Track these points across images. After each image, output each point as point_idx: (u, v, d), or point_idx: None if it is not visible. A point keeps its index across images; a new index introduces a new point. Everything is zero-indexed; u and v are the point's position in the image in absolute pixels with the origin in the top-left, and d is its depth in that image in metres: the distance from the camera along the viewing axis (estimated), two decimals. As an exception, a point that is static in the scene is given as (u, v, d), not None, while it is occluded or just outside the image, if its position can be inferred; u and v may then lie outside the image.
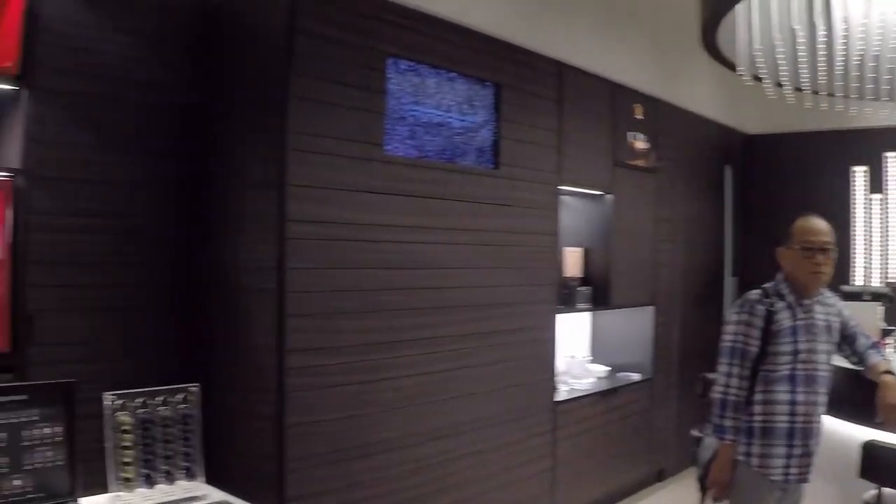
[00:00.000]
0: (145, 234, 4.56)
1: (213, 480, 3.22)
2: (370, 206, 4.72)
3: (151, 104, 4.63)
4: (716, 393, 4.13)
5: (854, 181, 8.26)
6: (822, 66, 5.42)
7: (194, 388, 3.15)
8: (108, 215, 4.49)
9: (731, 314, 4.18)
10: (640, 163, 6.77)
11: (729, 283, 8.92)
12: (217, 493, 3.09)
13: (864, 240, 8.14)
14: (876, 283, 8.20)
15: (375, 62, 4.80)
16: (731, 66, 5.86)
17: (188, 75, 4.74)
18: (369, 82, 4.76)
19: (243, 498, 3.18)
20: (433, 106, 5.22)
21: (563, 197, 6.00)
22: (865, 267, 8.50)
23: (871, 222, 8.14)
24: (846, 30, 5.04)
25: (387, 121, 4.85)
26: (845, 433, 4.83)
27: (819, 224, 4.06)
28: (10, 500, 2.83)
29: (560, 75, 5.99)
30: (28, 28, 4.29)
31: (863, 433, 4.59)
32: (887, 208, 8.06)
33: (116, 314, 4.53)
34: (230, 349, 4.63)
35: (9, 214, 4.25)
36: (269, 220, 4.43)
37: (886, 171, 8.08)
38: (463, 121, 5.42)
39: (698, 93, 8.21)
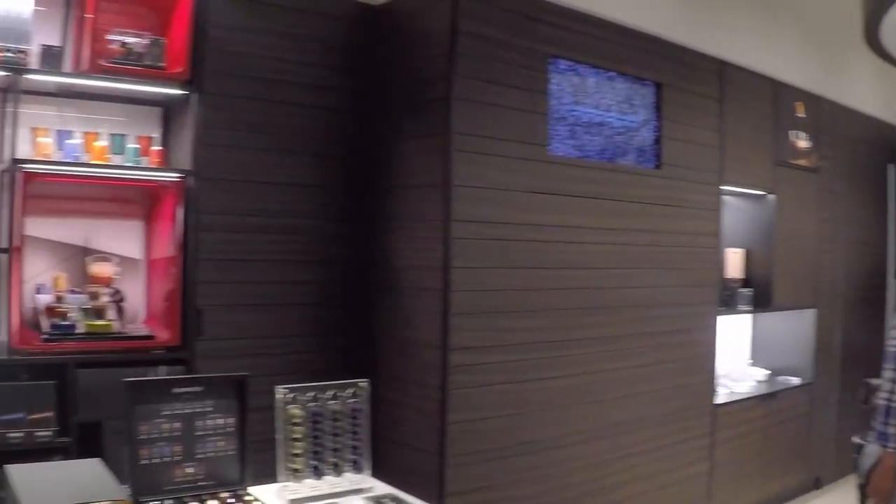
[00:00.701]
0: (312, 232, 4.66)
1: (375, 473, 3.26)
2: (533, 206, 4.72)
3: (315, 106, 4.72)
4: (880, 399, 3.98)
5: None
6: None
7: (363, 383, 3.20)
8: (275, 214, 4.60)
9: (895, 319, 4.02)
10: (802, 162, 6.58)
11: (892, 285, 8.59)
12: (382, 486, 3.12)
13: None
14: None
15: (537, 62, 4.79)
16: (894, 63, 5.63)
17: (350, 78, 4.81)
18: (531, 83, 4.76)
19: (404, 491, 3.21)
20: (593, 106, 5.19)
21: (724, 197, 5.81)
22: None
23: None
24: None
25: (549, 121, 4.78)
26: None
27: None
28: (182, 486, 2.93)
29: (721, 73, 5.88)
30: (195, 36, 4.47)
31: None
32: None
33: (282, 310, 4.64)
34: (395, 345, 4.70)
35: (180, 214, 4.40)
36: (434, 219, 4.47)
37: None
38: (623, 120, 5.37)
39: (861, 90, 7.94)
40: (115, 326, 4.39)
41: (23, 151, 4.28)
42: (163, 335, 4.44)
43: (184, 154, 4.51)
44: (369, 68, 4.88)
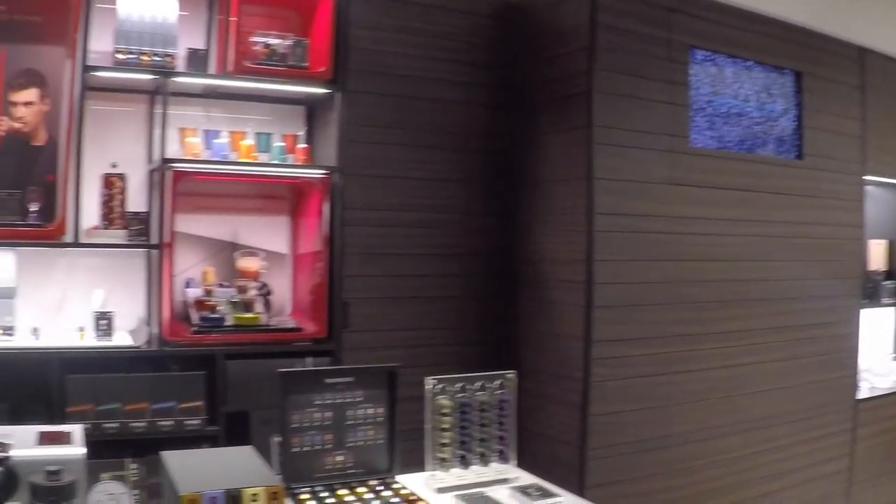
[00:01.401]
0: (453, 226, 4.70)
1: (518, 464, 3.27)
2: (675, 198, 4.69)
3: (454, 102, 4.77)
4: None
5: None
6: None
7: (511, 374, 3.21)
8: (417, 209, 4.66)
9: None
10: (947, 150, 6.32)
11: None
12: (527, 476, 3.13)
13: None
14: None
15: (676, 54, 4.76)
16: None
17: (489, 73, 4.84)
18: (671, 74, 4.73)
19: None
20: (731, 96, 5.12)
21: (867, 187, 5.67)
22: None
23: None
24: None
25: (688, 112, 4.74)
26: None
27: None
28: (332, 474, 2.99)
29: (861, 61, 5.80)
30: (337, 35, 4.57)
31: None
32: None
33: (425, 303, 4.71)
34: (537, 338, 4.72)
35: (326, 209, 4.48)
36: (577, 212, 4.49)
37: None
38: (762, 110, 5.29)
39: None
40: (263, 319, 4.50)
41: (172, 151, 4.44)
42: (309, 327, 4.53)
43: (328, 151, 4.60)
44: (508, 63, 4.92)
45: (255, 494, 2.35)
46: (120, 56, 4.38)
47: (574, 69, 4.52)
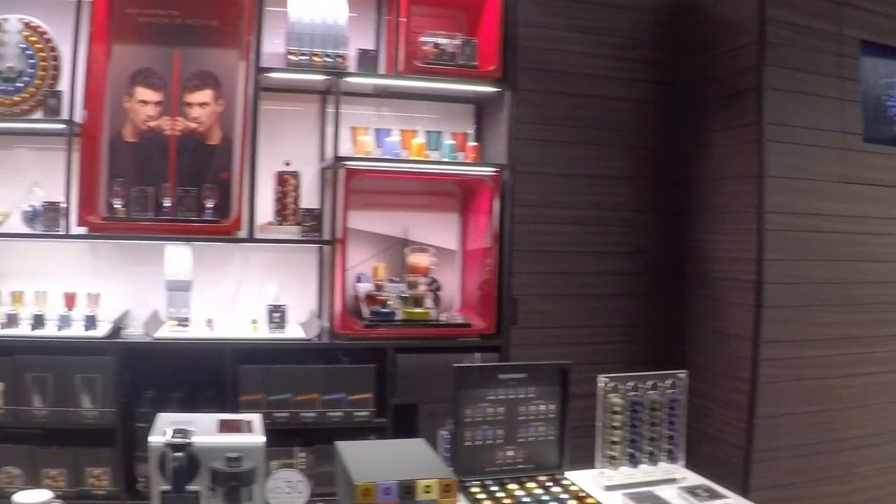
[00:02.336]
0: (621, 223, 4.72)
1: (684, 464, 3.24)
2: (849, 196, 4.63)
3: (621, 99, 4.78)
4: None
5: None
6: None
7: (682, 374, 3.19)
8: (585, 206, 4.70)
9: None
10: None
11: None
12: (694, 477, 3.10)
13: None
14: None
15: (847, 49, 4.69)
16: None
17: (656, 70, 4.84)
18: (842, 70, 4.68)
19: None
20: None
21: None
22: None
23: None
24: None
25: (861, 108, 4.67)
26: None
27: None
28: (502, 468, 3.03)
29: None
30: (505, 34, 4.59)
31: None
32: None
33: (593, 300, 4.73)
34: (705, 337, 4.68)
35: (495, 206, 4.50)
36: (746, 211, 4.45)
37: None
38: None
39: None
40: (432, 314, 4.57)
41: (344, 149, 4.49)
42: (478, 323, 4.57)
43: (498, 148, 4.63)
44: (675, 60, 4.91)
45: (428, 486, 2.39)
46: (292, 57, 4.49)
47: (743, 65, 4.50)
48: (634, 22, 4.77)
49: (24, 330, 4.30)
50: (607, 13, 4.73)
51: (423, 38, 4.63)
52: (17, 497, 2.38)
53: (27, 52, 4.46)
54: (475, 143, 4.71)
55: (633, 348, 4.67)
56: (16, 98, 4.46)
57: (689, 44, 4.80)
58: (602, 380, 3.11)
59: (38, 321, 4.32)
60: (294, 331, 4.48)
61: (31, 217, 4.40)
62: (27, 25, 4.48)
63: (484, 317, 4.56)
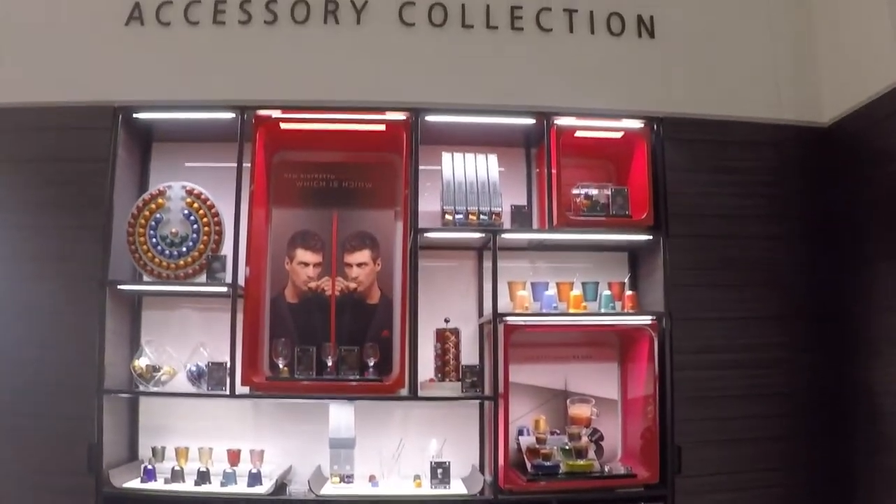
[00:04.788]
0: (781, 364, 4.65)
1: None
2: None
3: (772, 237, 4.75)
4: None
5: None
6: None
7: None
8: (744, 349, 4.64)
9: None
10: None
11: None
12: None
13: None
14: None
15: None
16: None
17: (805, 203, 4.80)
18: None
19: None
20: None
21: None
22: None
23: None
24: None
25: None
26: None
27: None
28: None
29: None
30: (654, 181, 4.73)
31: None
32: None
33: (757, 443, 4.63)
34: (875, 475, 4.55)
35: (655, 354, 4.52)
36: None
37: None
38: None
39: None
40: (596, 465, 4.55)
41: (502, 303, 4.58)
42: (642, 473, 4.56)
43: (654, 295, 4.69)
44: (825, 190, 4.85)
45: None
46: (448, 216, 4.60)
47: (897, 192, 4.39)
48: (779, 157, 4.77)
49: (188, 486, 4.46)
50: (752, 151, 4.75)
51: (574, 191, 4.72)
52: None
53: (190, 217, 4.67)
54: (631, 292, 4.74)
55: (801, 491, 4.58)
56: (180, 262, 4.66)
57: (841, 172, 4.75)
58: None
59: (203, 477, 4.47)
60: (457, 486, 4.52)
61: (196, 376, 4.56)
62: (189, 192, 4.69)
63: (647, 466, 4.53)
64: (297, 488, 4.61)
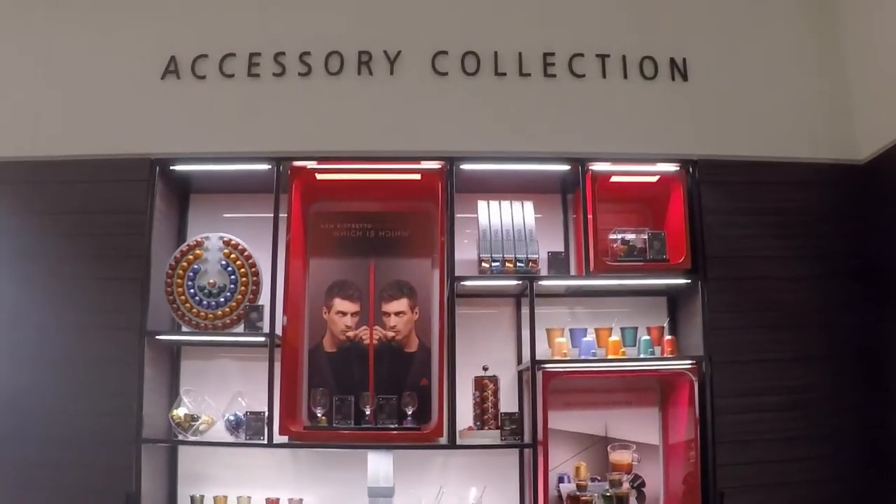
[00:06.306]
0: (823, 405, 4.59)
1: None
2: None
3: (812, 277, 4.71)
4: None
5: None
6: None
7: None
8: (785, 391, 4.59)
9: None
10: None
11: None
12: None
13: None
14: None
15: None
16: None
17: (844, 243, 4.75)
18: None
19: None
20: None
21: None
22: None
23: None
24: None
25: None
26: None
27: None
28: None
29: None
30: (692, 225, 4.72)
31: None
32: None
33: (802, 487, 4.55)
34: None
35: (696, 398, 4.48)
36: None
37: None
38: None
39: None
40: (637, 512, 4.49)
41: (540, 350, 4.57)
42: (684, 520, 4.48)
43: (694, 339, 4.66)
44: (865, 229, 4.81)
45: None
46: (485, 265, 4.60)
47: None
48: (817, 197, 4.74)
49: (227, 535, 4.32)
50: (788, 191, 4.73)
51: (611, 236, 4.72)
52: None
53: (228, 268, 4.69)
54: (671, 336, 4.71)
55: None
56: (218, 312, 4.68)
57: (880, 210, 4.72)
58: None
59: (242, 526, 4.35)
60: (497, 535, 4.42)
61: (234, 425, 4.56)
62: (227, 243, 4.72)
63: (690, 512, 4.48)
64: (337, 538, 4.53)
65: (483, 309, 4.92)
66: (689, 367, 4.53)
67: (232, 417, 4.60)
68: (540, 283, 4.61)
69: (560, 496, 4.63)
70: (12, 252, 4.56)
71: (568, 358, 4.63)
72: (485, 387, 4.67)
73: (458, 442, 4.52)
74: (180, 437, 4.60)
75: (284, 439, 4.54)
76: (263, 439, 4.49)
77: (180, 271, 4.70)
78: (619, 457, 4.70)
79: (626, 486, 4.59)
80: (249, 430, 4.50)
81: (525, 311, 4.65)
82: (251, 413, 4.53)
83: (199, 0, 4.93)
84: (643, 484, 4.68)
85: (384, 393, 4.68)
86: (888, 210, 4.67)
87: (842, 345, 4.65)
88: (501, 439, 4.58)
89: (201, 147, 4.70)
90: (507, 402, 4.79)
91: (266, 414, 4.46)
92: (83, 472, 4.40)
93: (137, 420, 4.41)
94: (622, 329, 4.69)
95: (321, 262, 4.93)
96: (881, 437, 4.56)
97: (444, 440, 4.48)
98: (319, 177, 4.75)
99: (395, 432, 4.58)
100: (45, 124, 4.71)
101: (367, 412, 4.63)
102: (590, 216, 4.61)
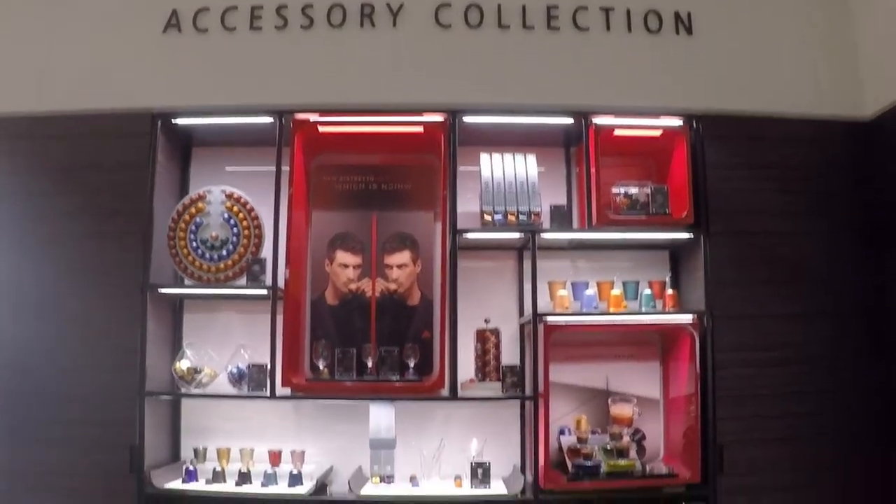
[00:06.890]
0: (824, 362, 4.58)
1: None
2: None
3: (814, 233, 4.68)
4: None
5: None
6: None
7: None
8: (786, 346, 4.58)
9: None
10: None
11: None
12: None
13: None
14: None
15: None
16: None
17: (849, 200, 4.73)
18: None
19: None
20: None
21: None
22: None
23: None
24: None
25: None
26: None
27: None
28: None
29: None
30: (695, 179, 4.69)
31: None
32: None
33: (800, 442, 4.56)
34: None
35: (697, 353, 4.49)
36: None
37: None
38: None
39: None
40: (637, 465, 4.52)
41: (542, 303, 4.59)
42: (683, 472, 4.53)
43: (696, 294, 4.65)
44: (869, 185, 4.77)
45: None
46: (487, 217, 4.58)
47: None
48: (820, 153, 4.70)
49: (230, 486, 4.51)
50: (793, 147, 4.69)
51: (614, 189, 4.70)
52: None
53: (230, 221, 4.69)
54: (672, 291, 4.71)
55: (846, 492, 4.53)
56: (221, 265, 4.68)
57: (885, 166, 4.69)
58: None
59: (244, 478, 4.52)
60: (498, 487, 4.51)
61: (237, 378, 4.59)
62: (229, 196, 4.72)
63: (689, 465, 4.50)
64: (338, 489, 4.66)
65: (485, 262, 4.93)
66: (691, 321, 4.54)
67: (234, 370, 4.61)
68: (542, 235, 4.60)
69: (560, 448, 4.63)
70: (14, 207, 4.57)
71: (569, 311, 4.64)
72: (486, 339, 4.68)
73: (460, 394, 4.53)
74: (183, 390, 4.63)
75: (287, 391, 4.55)
76: (266, 392, 4.49)
77: (182, 225, 4.70)
78: (620, 410, 4.72)
79: (626, 439, 4.61)
80: (252, 382, 4.51)
81: (527, 264, 4.65)
82: (254, 365, 4.55)
83: (199, -47, 4.80)
84: (643, 437, 4.70)
85: (386, 345, 4.70)
86: (893, 166, 4.63)
87: (843, 301, 4.64)
88: (503, 392, 4.58)
89: (203, 100, 4.68)
90: (509, 355, 4.80)
91: (268, 366, 4.47)
92: (87, 426, 4.43)
93: (140, 373, 4.44)
94: (624, 283, 4.69)
95: (323, 214, 4.93)
96: (882, 393, 4.55)
97: (445, 392, 4.48)
98: (322, 129, 4.73)
99: (396, 384, 4.60)
100: (48, 79, 4.71)
101: (369, 364, 4.65)
102: (593, 169, 4.58)
